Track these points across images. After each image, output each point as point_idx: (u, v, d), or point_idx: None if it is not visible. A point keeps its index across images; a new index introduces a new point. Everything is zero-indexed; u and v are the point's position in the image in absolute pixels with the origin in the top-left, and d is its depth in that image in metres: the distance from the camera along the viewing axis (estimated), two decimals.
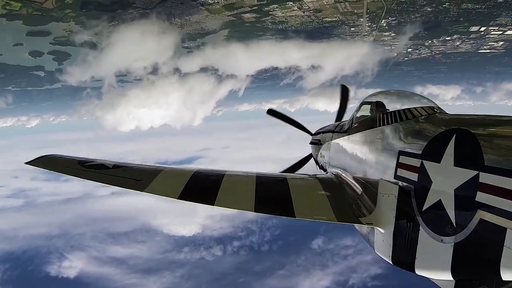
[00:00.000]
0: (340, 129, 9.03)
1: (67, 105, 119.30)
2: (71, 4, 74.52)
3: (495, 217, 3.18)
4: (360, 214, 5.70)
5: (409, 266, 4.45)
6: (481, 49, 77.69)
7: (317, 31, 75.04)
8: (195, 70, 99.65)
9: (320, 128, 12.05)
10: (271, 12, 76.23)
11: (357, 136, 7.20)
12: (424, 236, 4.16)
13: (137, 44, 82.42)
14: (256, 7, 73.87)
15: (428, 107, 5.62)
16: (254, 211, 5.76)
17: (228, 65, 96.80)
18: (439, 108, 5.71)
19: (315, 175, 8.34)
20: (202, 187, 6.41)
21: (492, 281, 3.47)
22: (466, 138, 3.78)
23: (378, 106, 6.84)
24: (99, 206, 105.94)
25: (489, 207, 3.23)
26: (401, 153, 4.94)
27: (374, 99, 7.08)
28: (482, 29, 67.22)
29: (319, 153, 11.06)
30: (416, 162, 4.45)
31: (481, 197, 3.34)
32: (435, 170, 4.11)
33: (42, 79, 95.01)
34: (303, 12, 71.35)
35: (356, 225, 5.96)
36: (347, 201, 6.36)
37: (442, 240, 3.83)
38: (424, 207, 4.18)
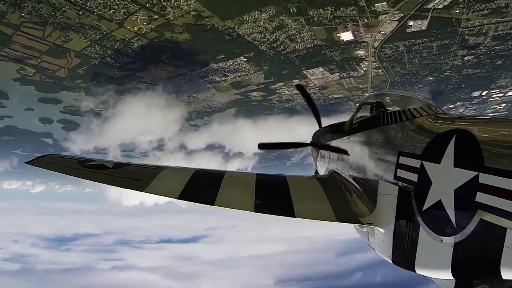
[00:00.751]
0: (340, 130, 8.92)
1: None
2: (82, 74, 78.54)
3: (495, 218, 3.17)
4: (360, 214, 5.73)
5: (409, 265, 4.48)
6: (484, 113, 77.07)
7: (323, 108, 75.41)
8: (202, 147, 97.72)
9: (320, 129, 12.11)
10: (277, 90, 77.97)
11: (357, 137, 7.20)
12: (424, 236, 4.17)
13: (143, 116, 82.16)
14: (262, 85, 77.28)
15: (428, 107, 5.56)
16: (254, 211, 5.68)
17: (235, 143, 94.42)
18: (438, 108, 5.67)
19: (315, 175, 8.94)
20: (202, 187, 6.38)
21: (493, 281, 3.48)
22: (466, 139, 3.76)
23: (377, 106, 6.75)
24: (99, 280, 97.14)
25: (489, 207, 3.22)
26: (400, 153, 4.94)
27: (373, 100, 7.01)
28: (484, 93, 67.65)
29: (319, 154, 10.87)
30: (416, 163, 4.45)
31: (481, 197, 3.32)
32: (435, 170, 4.09)
33: (50, 147, 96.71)
34: (309, 90, 73.61)
35: (356, 225, 5.95)
36: (347, 201, 6.38)
37: (442, 240, 3.84)
38: (424, 207, 4.18)
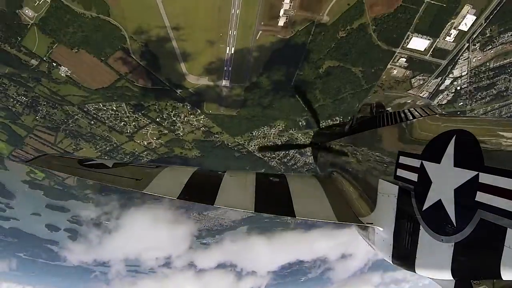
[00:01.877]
0: (340, 130, 8.81)
1: (74, 285, 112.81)
2: (92, 185, 76.56)
3: (495, 217, 3.16)
4: (360, 214, 5.79)
5: (410, 265, 4.51)
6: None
7: None
8: (212, 266, 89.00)
9: (320, 129, 12.00)
10: None
11: (357, 137, 7.23)
12: (424, 236, 4.18)
13: (150, 231, 76.01)
14: None
15: (428, 108, 5.58)
16: (254, 211, 5.75)
17: (248, 261, 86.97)
18: (438, 109, 5.71)
19: (315, 175, 8.55)
20: (202, 186, 6.39)
21: (492, 281, 3.50)
22: (466, 139, 3.79)
23: (378, 107, 6.72)
24: None
25: (489, 207, 3.22)
26: (401, 153, 4.97)
27: (374, 100, 6.98)
28: None
29: (320, 154, 10.65)
30: (416, 163, 4.47)
31: (481, 197, 3.32)
32: (435, 170, 4.12)
33: (54, 254, 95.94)
34: None
35: (356, 225, 5.94)
36: (347, 201, 6.38)
37: (442, 240, 3.85)
38: (424, 207, 4.19)
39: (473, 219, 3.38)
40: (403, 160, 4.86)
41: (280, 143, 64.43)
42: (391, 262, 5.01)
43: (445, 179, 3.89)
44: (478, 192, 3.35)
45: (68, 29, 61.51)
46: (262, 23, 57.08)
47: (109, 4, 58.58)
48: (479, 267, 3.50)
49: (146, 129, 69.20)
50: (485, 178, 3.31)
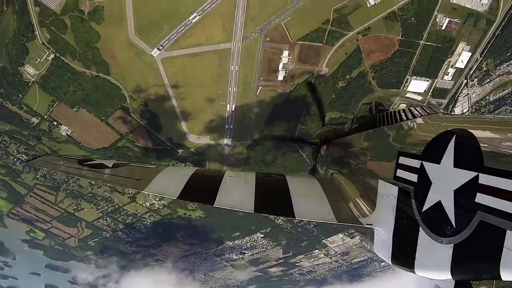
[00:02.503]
0: (340, 130, 8.93)
1: None
2: (93, 246, 73.02)
3: (494, 219, 3.15)
4: (360, 215, 5.77)
5: (409, 266, 4.49)
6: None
7: (347, 274, 75.89)
8: None
9: (321, 129, 11.94)
10: (298, 264, 76.65)
11: (357, 137, 7.25)
12: (424, 237, 4.17)
13: None
14: (282, 260, 75.30)
15: (428, 107, 5.59)
16: (254, 212, 5.77)
17: None
18: (438, 108, 5.73)
19: (315, 175, 8.85)
20: (202, 187, 6.45)
21: (492, 282, 3.54)
22: (466, 139, 3.78)
23: (378, 106, 6.74)
24: None
25: (489, 208, 3.21)
26: (400, 153, 4.93)
27: (374, 100, 7.05)
28: None
29: (320, 154, 10.62)
30: (415, 163, 4.45)
31: (480, 198, 3.32)
32: (435, 171, 4.10)
33: None
34: (330, 258, 74.69)
35: (356, 226, 5.90)
36: (346, 202, 6.40)
37: (441, 241, 3.86)
38: (424, 208, 4.17)
39: (472, 220, 3.36)
40: (403, 160, 4.79)
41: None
42: (390, 263, 4.93)
43: (445, 180, 3.84)
44: (478, 194, 3.31)
45: (69, 88, 60.66)
46: (262, 78, 56.68)
47: (109, 63, 57.28)
48: (478, 268, 3.50)
49: None
50: (485, 179, 3.28)
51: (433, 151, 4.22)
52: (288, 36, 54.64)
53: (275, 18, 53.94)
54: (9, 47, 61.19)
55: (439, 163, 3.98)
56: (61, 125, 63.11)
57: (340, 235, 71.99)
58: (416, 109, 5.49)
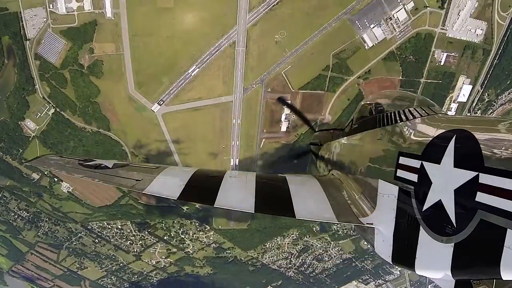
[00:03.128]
0: (340, 130, 9.01)
1: None
2: None
3: (495, 218, 3.18)
4: (360, 214, 5.80)
5: (409, 265, 4.51)
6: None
7: None
8: None
9: (321, 129, 12.40)
10: None
11: (357, 137, 7.32)
12: (424, 236, 4.20)
13: None
14: None
15: (428, 108, 5.66)
16: (254, 212, 5.78)
17: None
18: (438, 109, 5.80)
19: (315, 175, 8.60)
20: (202, 187, 6.47)
21: (492, 281, 3.57)
22: (466, 139, 3.82)
23: (377, 107, 6.82)
24: None
25: (489, 207, 3.24)
26: (401, 154, 4.97)
27: (373, 100, 7.14)
28: None
29: (320, 154, 10.86)
30: (416, 163, 4.48)
31: (481, 197, 3.34)
32: (435, 171, 4.13)
33: None
34: None
35: (356, 225, 5.94)
36: (347, 202, 6.44)
37: (442, 240, 3.88)
38: (424, 208, 4.20)
39: (473, 219, 3.39)
40: (403, 160, 4.83)
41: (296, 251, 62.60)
42: (391, 262, 4.99)
43: (445, 180, 3.87)
44: (478, 193, 3.34)
45: (69, 143, 59.10)
46: (265, 130, 55.67)
47: (109, 118, 55.38)
48: (479, 267, 3.52)
49: (154, 248, 63.24)
50: (485, 179, 3.30)
51: (433, 151, 4.22)
52: (289, 86, 53.32)
53: (275, 68, 52.83)
54: (10, 101, 60.35)
55: (439, 163, 3.96)
56: (62, 182, 61.16)
57: (354, 282, 69.12)
58: (416, 110, 5.52)
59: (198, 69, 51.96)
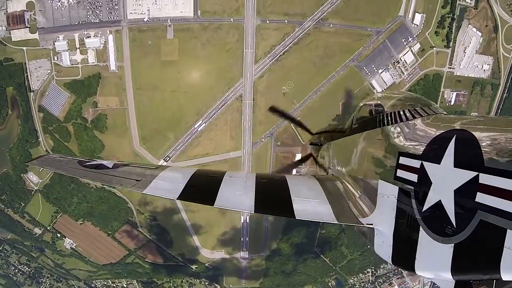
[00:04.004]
0: (340, 130, 9.08)
1: None
2: None
3: (495, 218, 3.17)
4: (360, 215, 5.87)
5: (409, 266, 4.49)
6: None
7: None
8: None
9: (321, 129, 12.14)
10: None
11: (357, 137, 7.29)
12: (424, 236, 4.20)
13: None
14: None
15: (428, 108, 5.66)
16: (254, 212, 5.80)
17: None
18: (438, 109, 5.81)
19: (315, 175, 8.65)
20: (202, 187, 6.51)
21: (492, 282, 3.49)
22: (466, 139, 3.81)
23: (377, 107, 6.74)
24: None
25: (489, 208, 3.22)
26: (401, 154, 4.97)
27: (373, 101, 7.16)
28: None
29: (319, 154, 11.10)
30: (416, 163, 4.46)
31: (481, 198, 3.33)
32: (435, 171, 4.11)
33: None
34: None
35: (356, 226, 5.97)
36: (347, 202, 6.50)
37: (442, 241, 3.89)
38: (424, 208, 4.19)
39: (473, 220, 3.38)
40: (403, 160, 4.82)
41: None
42: (391, 263, 4.99)
43: (445, 180, 3.87)
44: (478, 193, 3.33)
45: (73, 199, 57.65)
46: None
47: None
48: (479, 268, 3.52)
49: None
50: (485, 179, 3.30)
51: (433, 151, 4.23)
52: (300, 138, 51.66)
53: (283, 120, 50.59)
54: (13, 152, 59.58)
55: (439, 163, 3.98)
56: (65, 238, 59.34)
57: None
58: (416, 110, 5.54)
59: (204, 124, 50.89)
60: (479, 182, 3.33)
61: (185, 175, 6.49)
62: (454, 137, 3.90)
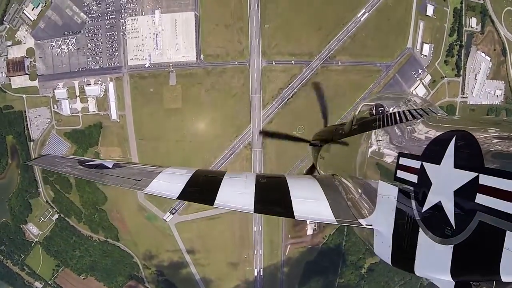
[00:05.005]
0: (340, 131, 9.08)
1: None
2: None
3: (494, 219, 3.18)
4: (360, 215, 5.87)
5: (409, 267, 4.51)
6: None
7: None
8: None
9: (320, 130, 12.14)
10: None
11: (357, 138, 7.31)
12: (424, 237, 4.20)
13: None
14: None
15: (428, 108, 5.70)
16: (254, 212, 5.79)
17: None
18: (438, 109, 5.85)
19: (315, 176, 8.74)
20: (201, 187, 6.51)
21: (492, 282, 3.45)
22: (466, 140, 3.83)
23: (377, 108, 6.79)
24: None
25: (489, 209, 3.24)
26: (401, 154, 4.98)
27: (373, 101, 7.13)
28: None
29: (319, 155, 10.95)
30: (416, 164, 4.47)
31: (481, 199, 3.32)
32: (435, 171, 4.13)
33: None
34: None
35: (356, 226, 5.93)
36: (346, 202, 6.49)
37: (441, 242, 3.89)
38: (424, 209, 4.20)
39: (472, 221, 3.38)
40: (403, 161, 4.82)
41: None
42: (390, 264, 4.94)
43: (445, 181, 3.86)
44: (478, 194, 3.33)
45: (75, 253, 55.47)
46: (290, 236, 52.25)
47: (118, 227, 51.52)
48: (478, 269, 3.53)
49: None
50: (485, 180, 3.30)
51: (433, 152, 4.24)
52: None
53: (296, 167, 50.03)
54: (12, 202, 57.96)
55: (439, 164, 4.00)
56: None
57: None
58: (416, 111, 5.59)
59: None
60: (479, 183, 3.32)
61: (185, 175, 6.53)
62: (454, 138, 3.90)
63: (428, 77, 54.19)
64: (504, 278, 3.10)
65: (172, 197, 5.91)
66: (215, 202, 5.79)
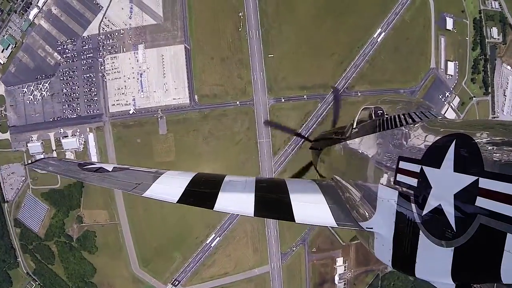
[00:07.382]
0: (340, 134, 8.92)
1: None
2: None
3: (495, 222, 3.24)
4: (360, 219, 5.88)
5: (409, 270, 4.55)
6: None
7: None
8: None
9: (321, 134, 12.18)
10: None
11: (357, 141, 7.32)
12: (424, 240, 4.23)
13: None
14: None
15: (428, 112, 5.64)
16: (254, 215, 5.76)
17: None
18: (438, 113, 5.80)
19: (315, 179, 8.67)
20: (201, 190, 6.47)
21: (493, 285, 3.62)
22: (466, 143, 3.87)
23: (377, 111, 6.73)
24: None
25: (489, 211, 3.30)
26: (401, 158, 4.99)
27: (373, 105, 7.02)
28: None
29: (320, 158, 10.95)
30: (416, 167, 4.50)
31: (481, 202, 3.38)
32: (435, 175, 4.18)
33: None
34: None
35: (356, 230, 5.95)
36: (346, 206, 6.47)
37: (442, 245, 3.93)
38: (424, 212, 4.23)
39: (473, 224, 3.44)
40: (403, 165, 4.82)
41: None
42: (391, 266, 4.93)
43: (445, 184, 3.92)
44: (478, 197, 3.38)
45: None
46: None
47: None
48: (479, 271, 3.58)
49: None
50: (485, 183, 3.35)
51: (433, 156, 4.26)
52: (339, 239, 43.77)
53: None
54: None
55: (439, 168, 4.04)
56: None
57: None
58: (416, 114, 5.51)
59: (218, 238, 41.99)
60: (479, 186, 3.38)
61: (185, 179, 6.49)
62: (454, 142, 3.95)
63: (457, 100, 50.16)
64: (505, 280, 3.12)
65: (172, 200, 5.80)
66: (215, 206, 5.74)
